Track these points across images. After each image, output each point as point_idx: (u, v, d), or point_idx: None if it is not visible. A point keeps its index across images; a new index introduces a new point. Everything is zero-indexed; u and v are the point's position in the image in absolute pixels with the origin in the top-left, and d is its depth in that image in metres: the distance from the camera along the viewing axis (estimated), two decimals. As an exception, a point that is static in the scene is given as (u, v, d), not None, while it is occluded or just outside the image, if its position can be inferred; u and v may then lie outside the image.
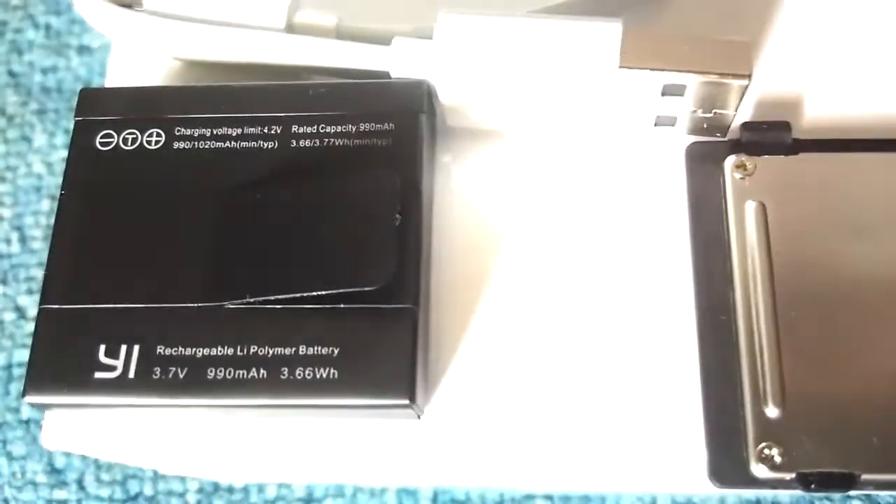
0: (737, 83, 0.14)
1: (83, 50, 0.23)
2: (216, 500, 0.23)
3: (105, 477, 0.22)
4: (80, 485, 0.22)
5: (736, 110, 0.15)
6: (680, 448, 0.15)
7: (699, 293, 0.16)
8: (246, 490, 0.23)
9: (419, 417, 0.15)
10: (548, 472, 0.16)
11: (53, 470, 0.21)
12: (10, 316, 0.21)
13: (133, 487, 0.24)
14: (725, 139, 0.16)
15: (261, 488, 0.24)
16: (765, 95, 0.17)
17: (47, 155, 0.22)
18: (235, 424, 0.17)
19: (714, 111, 0.15)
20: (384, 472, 0.16)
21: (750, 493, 0.15)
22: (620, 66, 0.14)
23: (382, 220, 0.14)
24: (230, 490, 0.23)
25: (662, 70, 0.14)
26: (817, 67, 0.17)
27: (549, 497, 0.21)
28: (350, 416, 0.15)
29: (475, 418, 0.16)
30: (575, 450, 0.16)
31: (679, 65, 0.14)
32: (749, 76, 0.14)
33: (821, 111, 0.17)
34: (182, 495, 0.23)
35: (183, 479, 0.23)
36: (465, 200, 0.17)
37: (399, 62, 0.16)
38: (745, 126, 0.16)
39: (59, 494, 0.21)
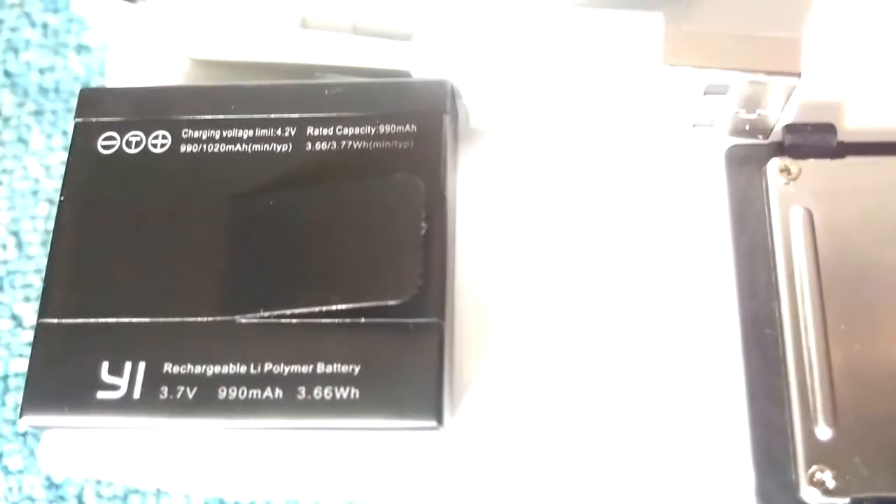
0: (785, 82, 0.13)
1: (82, 49, 0.22)
2: (219, 518, 0.22)
3: (105, 492, 0.21)
4: (80, 500, 0.21)
5: (782, 111, 0.14)
6: (725, 470, 0.14)
7: (743, 305, 0.15)
8: (251, 506, 0.22)
9: (444, 438, 0.14)
10: (580, 495, 0.15)
11: (52, 485, 0.20)
12: (6, 324, 0.21)
13: (134, 503, 0.23)
14: (767, 142, 0.16)
15: (268, 504, 0.22)
16: (807, 96, 0.16)
17: (44, 157, 0.21)
18: (248, 445, 0.16)
19: (758, 112, 0.14)
20: (400, 492, 0.15)
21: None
22: (663, 63, 0.14)
23: (407, 229, 0.13)
24: (235, 507, 0.22)
25: (706, 67, 0.13)
26: (861, 66, 0.16)
27: None
28: (371, 438, 0.14)
29: (501, 437, 0.15)
30: (610, 471, 0.15)
31: (724, 62, 0.13)
32: (798, 75, 0.13)
33: (866, 113, 0.16)
34: (185, 512, 0.22)
35: (187, 496, 0.22)
36: (489, 207, 0.16)
37: (420, 59, 0.15)
38: (789, 128, 0.15)
39: (59, 511, 0.20)
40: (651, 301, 0.15)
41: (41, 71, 0.22)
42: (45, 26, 0.23)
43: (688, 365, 0.15)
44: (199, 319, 0.14)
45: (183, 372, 0.13)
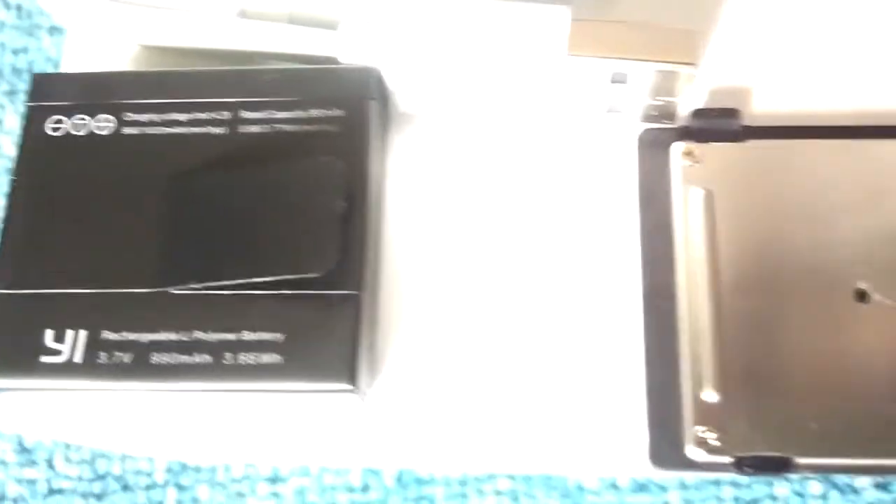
0: (682, 71, 0.14)
1: (54, 31, 0.23)
2: (183, 479, 0.23)
3: (74, 456, 0.22)
4: (50, 464, 0.22)
5: (682, 98, 0.15)
6: (626, 432, 0.16)
7: (645, 279, 0.16)
8: (213, 469, 0.23)
9: (362, 400, 0.15)
10: (489, 453, 0.16)
11: (23, 449, 0.21)
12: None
13: (102, 466, 0.24)
14: (677, 126, 0.17)
15: (227, 467, 0.24)
16: (716, 83, 0.17)
17: (18, 136, 0.23)
18: (183, 407, 0.17)
19: (662, 98, 0.15)
20: (326, 453, 0.16)
21: (688, 476, 0.15)
22: (569, 53, 0.15)
23: (326, 208, 0.14)
24: (197, 469, 0.23)
25: (609, 58, 0.14)
26: (767, 56, 0.17)
27: (511, 477, 0.22)
28: (294, 400, 0.15)
29: (420, 401, 0.16)
30: (519, 433, 0.16)
31: (625, 52, 0.14)
32: (694, 64, 0.14)
33: (770, 99, 0.17)
34: (150, 474, 0.23)
35: (151, 459, 0.23)
36: (417, 186, 0.17)
37: (346, 47, 0.16)
38: (695, 113, 0.16)
39: (29, 473, 0.21)
40: (565, 276, 0.16)
41: (15, 52, 0.23)
42: (18, 8, 0.23)
43: (596, 334, 0.16)
44: (135, 291, 0.15)
45: (120, 339, 0.14)
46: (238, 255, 0.15)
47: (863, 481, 0.25)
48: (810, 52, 0.17)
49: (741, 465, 0.14)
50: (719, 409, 0.15)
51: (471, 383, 0.16)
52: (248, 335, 0.14)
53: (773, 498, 0.23)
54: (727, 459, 0.14)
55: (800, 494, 0.24)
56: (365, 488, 0.23)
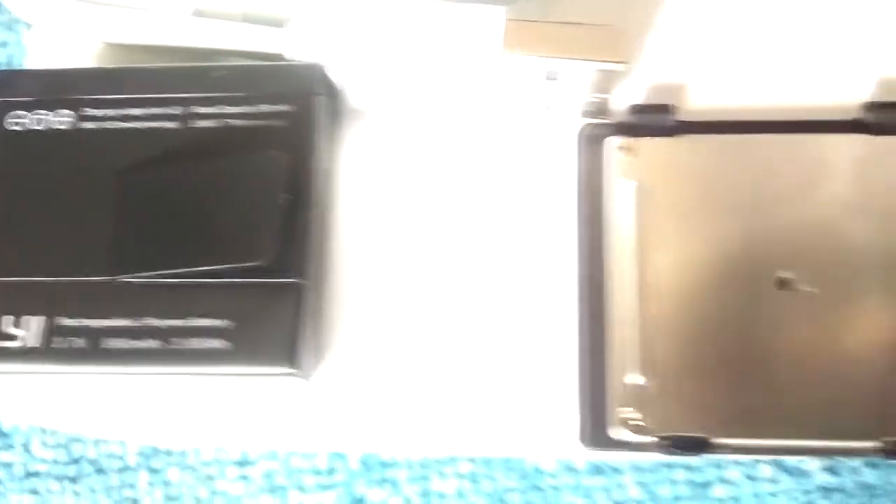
0: (611, 68, 0.15)
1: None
2: (155, 462, 0.24)
3: (50, 440, 0.23)
4: (27, 448, 0.23)
5: (617, 94, 0.16)
6: (562, 415, 0.16)
7: (580, 269, 0.16)
8: (183, 453, 0.24)
9: (308, 383, 0.16)
10: (432, 435, 0.17)
11: (1, 433, 0.22)
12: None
13: (77, 450, 0.25)
14: (615, 121, 0.17)
15: (197, 451, 0.24)
16: (652, 80, 0.17)
17: None
18: (146, 391, 0.18)
19: (598, 95, 0.16)
20: (274, 437, 0.17)
21: (615, 456, 0.16)
22: (503, 51, 0.15)
23: (269, 200, 0.15)
24: (168, 453, 0.24)
25: (542, 56, 0.15)
26: (700, 53, 0.18)
27: (471, 460, 0.22)
28: (241, 384, 0.16)
29: (365, 385, 0.17)
30: (459, 415, 0.17)
31: (558, 51, 0.15)
32: (623, 62, 0.15)
33: (704, 95, 0.17)
34: (122, 458, 0.24)
35: (123, 443, 0.24)
36: (367, 179, 0.18)
37: (294, 45, 0.16)
38: (631, 109, 0.17)
39: (6, 457, 0.22)
40: (506, 265, 0.17)
41: (-6, 46, 0.24)
42: (-2, 3, 0.24)
43: (534, 322, 0.17)
44: (89, 279, 0.15)
45: (74, 325, 0.15)
46: (186, 244, 0.15)
47: (812, 464, 0.26)
48: (742, 50, 0.18)
49: (662, 444, 0.15)
50: (643, 392, 0.15)
51: (416, 368, 0.17)
52: (195, 321, 0.15)
53: (725, 481, 0.24)
54: (650, 439, 0.15)
55: (751, 478, 0.25)
56: (331, 471, 0.24)
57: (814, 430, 0.15)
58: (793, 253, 0.16)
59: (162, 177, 0.16)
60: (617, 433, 0.15)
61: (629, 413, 0.15)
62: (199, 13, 0.17)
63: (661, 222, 0.16)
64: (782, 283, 0.16)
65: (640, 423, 0.15)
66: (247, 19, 0.17)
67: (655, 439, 0.15)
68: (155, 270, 0.15)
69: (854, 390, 0.15)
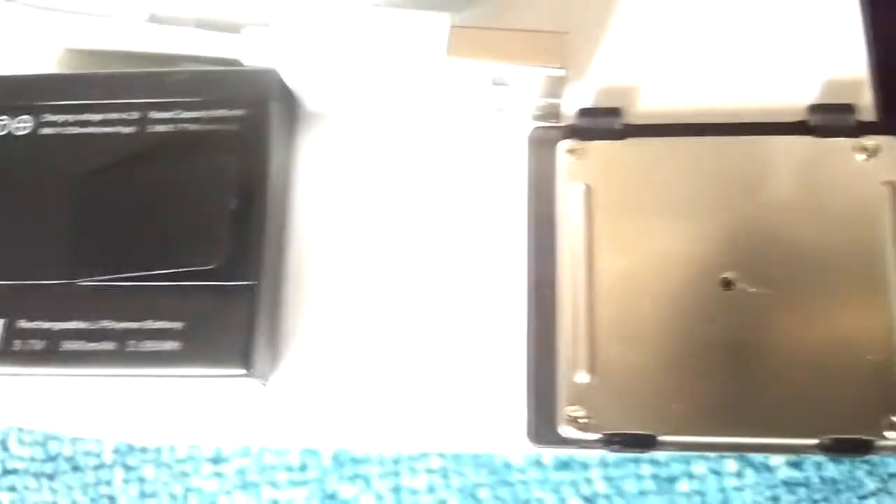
0: (551, 73, 0.15)
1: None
2: (130, 459, 0.24)
3: (27, 438, 0.23)
4: (4, 446, 0.23)
5: (565, 97, 0.16)
6: (511, 412, 0.16)
7: (530, 269, 0.17)
8: (158, 450, 0.24)
9: (264, 385, 0.16)
10: (385, 434, 0.17)
11: (-22, 432, 0.22)
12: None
13: (53, 448, 0.25)
14: (565, 124, 0.17)
15: (172, 448, 0.25)
16: (604, 83, 0.18)
17: None
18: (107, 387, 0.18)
19: (546, 99, 0.16)
20: (235, 435, 0.18)
21: (562, 453, 0.16)
22: (448, 57, 0.15)
23: (221, 204, 0.15)
24: (143, 450, 0.25)
25: (486, 61, 0.15)
26: (651, 56, 0.18)
27: (441, 455, 0.23)
28: (199, 385, 0.16)
29: (321, 385, 0.17)
30: (415, 412, 0.17)
31: (500, 56, 0.15)
32: (562, 67, 0.15)
33: (652, 98, 0.18)
34: (99, 455, 0.25)
35: (99, 440, 0.25)
36: (324, 182, 0.18)
37: (248, 50, 0.17)
38: (580, 112, 0.17)
39: (-17, 455, 0.22)
40: (460, 267, 0.17)
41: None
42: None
43: (487, 322, 0.17)
44: (48, 282, 0.16)
45: (34, 327, 0.16)
46: (141, 248, 0.16)
47: (777, 459, 0.27)
48: (689, 53, 0.18)
49: (609, 441, 0.15)
50: (590, 391, 0.16)
51: (373, 368, 0.17)
52: (150, 324, 0.15)
53: (691, 476, 0.24)
54: (596, 437, 0.15)
55: (716, 472, 0.25)
56: (303, 467, 0.24)
57: (756, 427, 0.15)
58: (737, 254, 0.16)
59: (119, 181, 0.16)
60: (564, 431, 0.16)
61: (576, 411, 0.16)
62: (154, 19, 0.17)
63: (610, 224, 0.17)
64: (727, 284, 0.16)
65: (587, 420, 0.15)
66: (201, 25, 0.17)
67: (601, 436, 0.16)
68: (112, 274, 0.15)
69: (795, 389, 0.15)
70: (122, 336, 0.15)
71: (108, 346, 0.15)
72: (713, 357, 0.16)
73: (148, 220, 0.16)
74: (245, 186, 0.16)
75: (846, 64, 0.18)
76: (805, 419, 0.15)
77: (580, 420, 0.16)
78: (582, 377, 0.16)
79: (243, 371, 0.15)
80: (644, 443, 0.15)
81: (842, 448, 0.15)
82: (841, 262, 0.16)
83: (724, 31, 0.18)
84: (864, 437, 0.15)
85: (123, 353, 0.15)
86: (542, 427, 0.16)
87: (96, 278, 0.15)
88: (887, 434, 0.15)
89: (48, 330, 0.16)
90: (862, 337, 0.15)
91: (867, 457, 0.15)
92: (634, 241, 0.16)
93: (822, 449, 0.15)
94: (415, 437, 0.17)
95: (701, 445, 0.16)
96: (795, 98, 0.17)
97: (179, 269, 0.15)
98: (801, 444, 0.15)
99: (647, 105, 0.18)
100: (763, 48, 0.18)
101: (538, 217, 0.17)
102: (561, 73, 0.15)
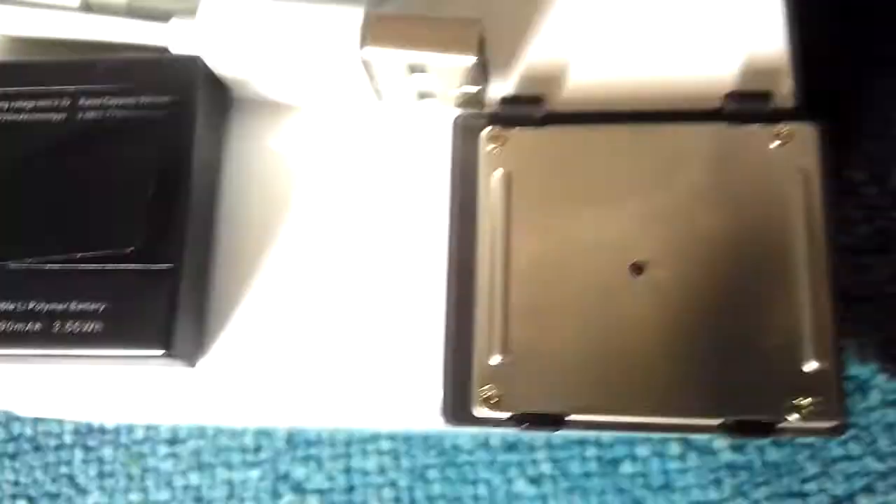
0: (465, 60, 0.15)
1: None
2: (89, 440, 0.25)
3: (-11, 419, 0.24)
4: (-32, 427, 0.24)
5: (480, 85, 0.16)
6: (428, 391, 0.17)
7: (451, 254, 0.17)
8: (117, 431, 0.25)
9: (191, 367, 0.17)
10: (311, 412, 0.18)
11: (-60, 412, 0.23)
12: None
13: (15, 429, 0.26)
14: (489, 112, 0.18)
15: (130, 429, 0.26)
16: (526, 71, 0.18)
17: None
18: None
19: (469, 86, 0.16)
20: (165, 413, 0.18)
21: (475, 431, 0.17)
22: (362, 47, 0.16)
23: (141, 188, 0.16)
24: (102, 431, 0.25)
25: (400, 49, 0.15)
26: (575, 44, 0.18)
27: (392, 437, 0.23)
28: (122, 366, 0.16)
29: (249, 366, 0.17)
30: (340, 390, 0.17)
31: (415, 45, 0.15)
32: (475, 53, 0.15)
33: (573, 86, 0.18)
34: (59, 435, 0.25)
35: (60, 421, 0.25)
36: (254, 168, 0.18)
37: (175, 39, 0.17)
38: (503, 100, 0.17)
39: (-55, 436, 0.23)
40: (387, 252, 0.18)
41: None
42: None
43: (411, 305, 0.17)
44: (-23, 265, 0.16)
45: (-35, 309, 0.16)
46: (66, 232, 0.16)
47: (720, 443, 0.27)
48: (610, 41, 0.18)
49: (519, 420, 0.16)
50: (503, 371, 0.16)
51: (300, 349, 0.18)
52: (74, 305, 0.16)
53: (634, 458, 0.24)
54: (507, 415, 0.16)
55: (659, 455, 0.26)
56: (257, 449, 0.25)
57: (661, 407, 0.16)
58: (650, 239, 0.16)
59: (49, 167, 0.16)
60: (477, 410, 0.16)
61: (488, 391, 0.16)
62: (86, 7, 0.18)
63: (528, 210, 0.17)
64: (638, 269, 0.16)
65: (498, 400, 0.16)
66: (132, 13, 0.18)
67: (512, 415, 0.16)
68: (39, 256, 0.16)
69: (701, 371, 0.16)
70: (48, 317, 0.16)
71: (36, 326, 0.16)
72: (622, 339, 0.16)
73: (74, 205, 0.16)
74: (168, 171, 0.16)
75: (768, 51, 0.18)
76: (709, 400, 0.16)
77: (492, 400, 0.16)
78: (496, 358, 0.16)
79: (162, 352, 0.16)
80: (553, 422, 0.16)
81: (744, 429, 0.16)
82: (751, 249, 0.16)
83: (648, 19, 0.18)
84: (767, 419, 0.16)
85: (49, 334, 0.16)
86: (457, 406, 0.16)
87: (25, 260, 0.16)
88: (789, 417, 0.16)
89: (-22, 311, 0.16)
90: (768, 323, 0.16)
91: (770, 438, 0.16)
92: (551, 227, 0.17)
93: (725, 429, 0.16)
94: (338, 414, 0.18)
95: (608, 425, 0.16)
96: (717, 85, 0.17)
97: (102, 252, 0.15)
98: (705, 424, 0.16)
99: (570, 93, 0.18)
100: (686, 35, 0.18)
101: (461, 202, 0.17)
102: (473, 60, 0.15)
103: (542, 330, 0.16)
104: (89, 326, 0.16)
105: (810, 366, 0.16)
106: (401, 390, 0.17)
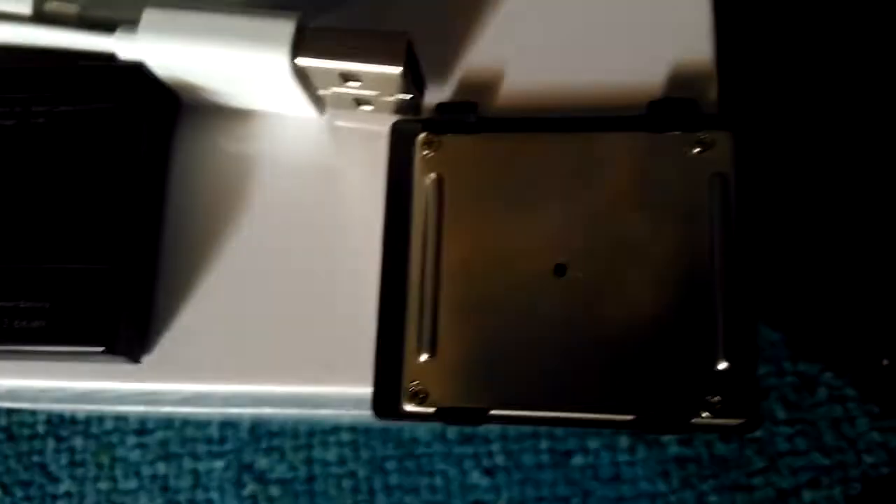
0: (391, 70, 0.16)
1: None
2: (62, 430, 0.26)
3: (-39, 409, 0.25)
4: (-63, 417, 0.25)
5: (411, 93, 0.17)
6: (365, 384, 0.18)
7: (385, 256, 0.18)
8: (88, 421, 0.26)
9: (137, 362, 0.18)
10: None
11: (-87, 403, 0.23)
12: None
13: (-9, 417, 0.26)
14: (424, 118, 0.18)
15: (101, 420, 0.26)
16: (462, 78, 0.19)
17: None
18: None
19: (394, 95, 0.17)
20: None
21: (403, 425, 0.18)
22: (294, 59, 0.16)
23: (84, 192, 0.17)
24: (74, 421, 0.26)
25: (330, 61, 0.16)
26: (504, 53, 0.19)
27: (352, 430, 0.24)
28: (66, 362, 0.17)
29: (193, 361, 0.18)
30: (284, 385, 0.18)
31: (345, 57, 0.16)
32: (401, 66, 0.16)
33: (506, 94, 0.18)
34: (32, 425, 0.26)
35: (33, 412, 0.26)
36: (202, 170, 0.19)
37: (121, 47, 0.18)
38: (437, 107, 0.18)
39: (-82, 426, 0.24)
40: (326, 253, 0.18)
41: None
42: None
43: (347, 305, 0.18)
44: (-68, 265, 0.17)
45: (-80, 306, 0.17)
46: (15, 234, 0.17)
47: (669, 437, 0.28)
48: (542, 49, 0.19)
49: (444, 415, 0.17)
50: (430, 368, 0.17)
51: (245, 346, 0.18)
52: (22, 304, 0.17)
53: (586, 451, 0.25)
54: (431, 410, 0.17)
55: (610, 448, 0.26)
56: (222, 440, 0.25)
57: (579, 403, 0.16)
58: (572, 243, 0.17)
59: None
60: (405, 405, 0.17)
61: (416, 387, 0.17)
62: (38, 17, 0.18)
63: (459, 213, 0.17)
64: (560, 271, 0.17)
65: (424, 395, 0.17)
66: (81, 23, 0.18)
67: (436, 410, 0.17)
68: (-11, 257, 0.17)
69: (618, 369, 0.16)
70: (-2, 315, 0.17)
71: (-17, 323, 0.17)
72: (543, 338, 0.17)
73: (24, 209, 0.17)
74: (111, 174, 0.17)
75: (694, 59, 0.18)
76: (625, 397, 0.16)
77: (420, 395, 0.17)
78: (424, 355, 0.17)
79: (102, 348, 0.16)
80: (476, 416, 0.17)
81: (658, 425, 0.16)
82: (668, 252, 0.17)
83: (579, 28, 0.19)
84: (680, 416, 0.16)
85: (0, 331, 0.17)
86: (386, 401, 0.17)
87: (-26, 262, 0.17)
88: (703, 413, 0.16)
89: (-66, 310, 0.17)
90: (683, 323, 0.16)
91: (681, 434, 0.16)
92: (480, 230, 0.17)
93: (639, 425, 0.16)
94: (281, 411, 0.19)
95: (529, 419, 0.17)
96: (645, 92, 0.18)
97: (46, 253, 0.16)
98: (619, 419, 0.16)
99: (502, 100, 0.19)
100: (615, 43, 0.19)
101: (395, 206, 0.18)
102: (400, 70, 0.16)
103: (469, 328, 0.17)
104: (36, 323, 0.16)
105: (722, 364, 0.16)
106: (343, 387, 0.18)
